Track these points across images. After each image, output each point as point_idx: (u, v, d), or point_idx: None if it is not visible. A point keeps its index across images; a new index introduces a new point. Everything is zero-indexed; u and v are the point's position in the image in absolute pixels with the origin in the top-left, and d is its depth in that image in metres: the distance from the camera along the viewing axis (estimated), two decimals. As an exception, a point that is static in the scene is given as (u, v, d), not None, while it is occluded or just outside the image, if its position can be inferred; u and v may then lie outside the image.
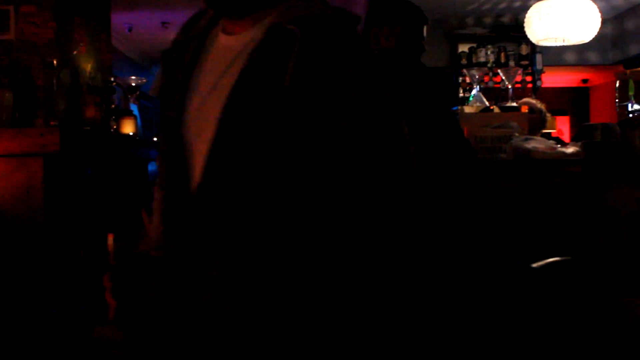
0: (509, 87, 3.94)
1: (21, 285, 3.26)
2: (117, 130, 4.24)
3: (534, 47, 6.57)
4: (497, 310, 1.73)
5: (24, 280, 3.28)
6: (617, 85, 3.69)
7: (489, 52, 6.75)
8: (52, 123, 3.53)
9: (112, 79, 4.43)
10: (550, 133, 4.86)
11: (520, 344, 1.65)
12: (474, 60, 6.80)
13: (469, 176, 2.61)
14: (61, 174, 3.47)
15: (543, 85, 7.05)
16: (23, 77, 3.74)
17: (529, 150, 3.15)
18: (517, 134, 3.36)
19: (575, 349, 1.61)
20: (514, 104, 3.90)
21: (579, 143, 3.28)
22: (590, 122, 9.36)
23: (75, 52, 3.90)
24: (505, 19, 6.95)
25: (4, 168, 3.36)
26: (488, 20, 6.95)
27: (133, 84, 4.50)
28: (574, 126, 9.62)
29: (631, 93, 3.59)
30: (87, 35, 4.18)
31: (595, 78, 9.35)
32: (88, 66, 4.22)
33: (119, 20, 6.60)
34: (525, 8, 5.22)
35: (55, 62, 3.59)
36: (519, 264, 1.81)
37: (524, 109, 4.05)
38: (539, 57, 6.76)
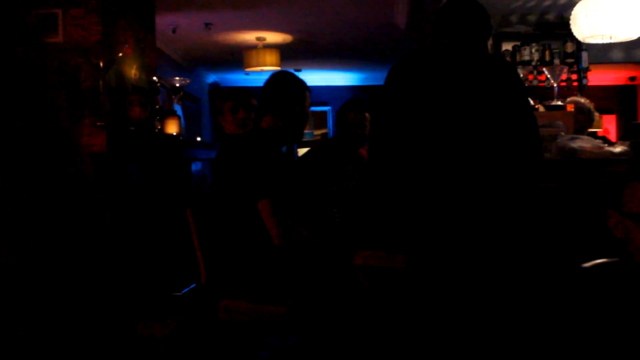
0: (554, 85, 3.87)
1: (68, 282, 3.31)
2: (161, 130, 4.29)
3: (579, 45, 6.45)
4: (551, 309, 1.71)
5: (70, 276, 3.34)
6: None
7: (533, 50, 6.65)
8: (98, 123, 3.57)
9: (157, 80, 4.47)
10: (596, 132, 4.77)
11: (574, 344, 1.63)
12: (518, 59, 6.70)
13: (532, 172, 2.61)
14: (107, 173, 3.51)
15: (589, 83, 6.93)
16: (71, 79, 3.80)
17: (575, 150, 3.10)
18: (562, 133, 3.30)
19: (628, 349, 1.58)
20: (560, 103, 3.83)
21: (627, 142, 3.21)
22: (638, 121, 9.17)
23: (121, 54, 3.95)
24: (550, 17, 6.83)
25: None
26: (532, 17, 6.84)
27: (177, 85, 4.54)
28: (620, 125, 9.44)
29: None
30: (132, 37, 4.23)
31: (643, 76, 9.17)
32: (133, 67, 4.28)
33: (163, 22, 6.67)
34: (570, 5, 5.12)
35: (101, 63, 3.65)
36: (571, 264, 1.79)
37: (570, 108, 3.98)
38: (584, 55, 6.64)
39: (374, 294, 2.58)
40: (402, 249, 2.50)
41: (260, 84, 3.28)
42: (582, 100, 4.64)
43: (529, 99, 2.75)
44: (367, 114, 4.29)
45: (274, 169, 2.92)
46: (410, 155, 2.55)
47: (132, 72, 4.27)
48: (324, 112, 12.32)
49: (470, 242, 2.45)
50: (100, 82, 3.67)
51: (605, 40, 4.47)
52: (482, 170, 2.48)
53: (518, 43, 6.69)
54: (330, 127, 11.99)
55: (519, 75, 2.75)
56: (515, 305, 2.07)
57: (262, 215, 2.87)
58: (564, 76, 5.80)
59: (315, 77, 10.87)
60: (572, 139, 3.21)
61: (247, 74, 10.13)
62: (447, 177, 2.48)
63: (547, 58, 6.64)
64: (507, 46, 6.91)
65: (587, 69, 6.67)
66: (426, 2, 6.12)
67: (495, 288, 2.40)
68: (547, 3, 6.69)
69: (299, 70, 9.96)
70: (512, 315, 2.05)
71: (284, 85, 3.15)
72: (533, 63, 6.63)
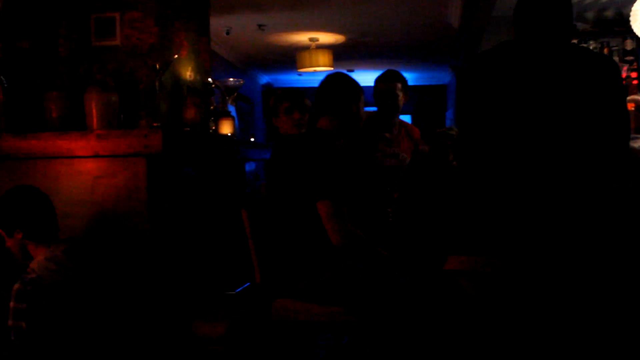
0: (613, 83, 3.78)
1: (123, 281, 3.37)
2: (216, 130, 4.34)
3: (639, 42, 6.30)
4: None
5: (125, 276, 3.39)
6: None
7: (591, 48, 6.51)
8: (154, 124, 3.63)
9: (211, 81, 4.52)
10: (657, 131, 4.63)
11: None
12: (575, 57, 6.59)
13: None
14: (163, 174, 3.56)
15: (650, 82, 6.75)
16: (128, 81, 3.88)
17: (637, 150, 3.03)
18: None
19: None
20: (619, 101, 3.74)
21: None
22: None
23: (176, 56, 4.00)
24: (609, 13, 6.69)
25: (110, 168, 3.48)
26: (590, 15, 6.71)
27: (231, 86, 4.58)
28: (682, 124, 9.16)
29: None
30: (187, 39, 4.29)
31: None
32: (188, 69, 4.33)
33: (217, 23, 6.74)
34: (630, 1, 5.00)
35: (157, 65, 3.70)
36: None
37: (630, 107, 3.89)
38: (645, 52, 6.48)
39: (470, 298, 2.56)
40: (495, 252, 2.48)
41: (313, 84, 3.30)
42: (644, 98, 4.52)
43: (622, 93, 2.67)
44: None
45: (333, 169, 2.92)
46: (503, 156, 2.52)
47: (187, 73, 4.32)
48: (377, 112, 12.26)
49: (563, 243, 2.42)
50: (157, 84, 3.73)
51: (667, 36, 4.35)
52: (576, 171, 2.45)
53: (575, 41, 6.56)
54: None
55: (617, 70, 2.68)
56: (614, 307, 2.06)
57: (321, 216, 2.87)
58: (623, 74, 5.66)
59: (367, 78, 10.83)
60: (633, 138, 3.14)
61: (299, 74, 10.18)
62: (541, 177, 2.46)
63: (606, 56, 6.50)
64: (564, 44, 6.77)
65: (647, 67, 6.50)
66: (480, 0, 6.05)
67: (591, 289, 2.38)
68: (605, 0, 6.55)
69: (351, 71, 9.95)
70: (612, 316, 2.04)
71: (339, 85, 3.16)
72: (591, 61, 6.50)
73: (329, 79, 3.22)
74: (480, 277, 2.54)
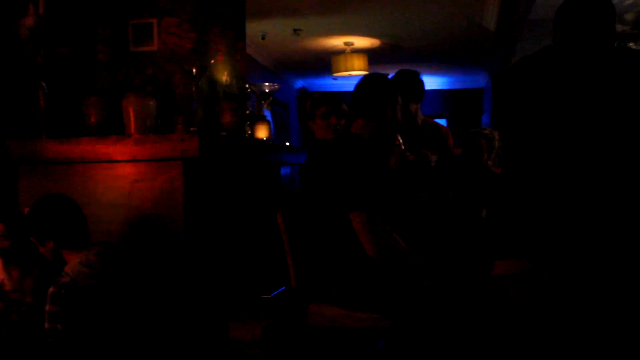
0: (654, 86, 3.72)
1: (158, 284, 3.39)
2: (252, 135, 4.36)
3: (680, 44, 6.20)
4: None
5: (161, 279, 3.42)
6: None
7: (631, 51, 6.42)
8: (191, 129, 3.66)
9: (247, 86, 4.55)
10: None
11: None
12: (614, 59, 6.50)
13: None
14: (199, 178, 3.59)
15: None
16: (165, 86, 3.92)
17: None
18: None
19: None
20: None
21: None
22: None
23: (212, 61, 4.03)
24: (649, 15, 6.58)
25: (147, 172, 3.51)
26: (630, 16, 6.60)
27: (266, 90, 4.60)
28: None
29: None
30: (223, 44, 4.32)
31: None
32: (224, 74, 4.36)
33: (253, 28, 6.78)
34: (671, 3, 4.91)
35: (194, 70, 3.73)
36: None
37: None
38: (687, 54, 6.37)
39: (516, 304, 2.52)
40: (543, 256, 2.45)
41: (348, 88, 3.28)
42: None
43: None
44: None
45: (365, 178, 2.87)
46: (549, 159, 2.49)
47: (224, 78, 4.35)
48: (412, 116, 12.21)
49: (612, 248, 2.38)
50: (193, 89, 3.76)
51: None
52: (624, 176, 2.41)
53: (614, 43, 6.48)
54: (418, 132, 11.88)
55: None
56: None
57: (354, 227, 2.83)
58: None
59: (402, 81, 10.79)
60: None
61: (334, 78, 10.18)
62: (588, 182, 2.42)
63: (646, 58, 6.40)
64: (602, 46, 6.69)
65: (689, 69, 6.38)
66: (517, 3, 5.99)
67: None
68: (645, 1, 6.44)
69: (386, 75, 9.93)
70: None
71: (375, 87, 3.13)
72: (631, 63, 6.41)
73: (365, 80, 3.18)
74: (527, 282, 2.51)
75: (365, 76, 3.23)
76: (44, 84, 3.68)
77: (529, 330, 2.48)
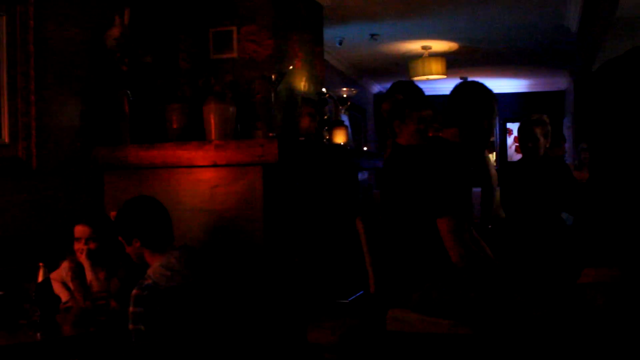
0: None
1: (239, 288, 3.44)
2: (330, 140, 4.37)
3: None
4: None
5: (241, 283, 3.47)
6: None
7: None
8: (270, 134, 3.69)
9: (325, 91, 4.57)
10: None
11: None
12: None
13: None
14: (278, 183, 3.62)
15: None
16: (244, 92, 3.98)
17: None
18: None
19: None
20: None
21: None
22: None
23: (291, 67, 4.07)
24: None
25: (228, 177, 3.57)
26: None
27: (344, 95, 4.61)
28: None
29: None
30: (302, 50, 4.36)
31: None
32: (302, 79, 4.40)
33: (331, 34, 6.80)
34: None
35: (273, 77, 3.77)
36: None
37: None
38: None
39: (607, 312, 2.45)
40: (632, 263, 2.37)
41: (426, 93, 3.21)
42: None
43: None
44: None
45: (455, 184, 2.83)
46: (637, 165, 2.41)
47: (302, 84, 4.39)
48: (490, 121, 12.03)
49: None
50: (272, 95, 3.80)
51: None
52: None
53: None
54: (497, 136, 11.68)
55: None
56: None
57: (440, 233, 2.79)
58: None
59: (481, 85, 10.64)
60: None
61: (411, 83, 10.12)
62: None
63: None
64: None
65: None
66: (602, 0, 5.82)
67: None
68: None
69: (465, 78, 9.81)
70: None
71: (473, 97, 3.03)
72: None
73: (463, 88, 3.09)
74: (616, 291, 2.43)
75: (462, 84, 3.14)
76: (128, 92, 3.79)
77: (617, 340, 2.40)
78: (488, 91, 3.04)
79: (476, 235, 3.11)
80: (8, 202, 3.34)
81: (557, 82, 11.36)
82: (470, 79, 10.43)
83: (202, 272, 3.04)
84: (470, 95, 3.03)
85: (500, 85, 11.29)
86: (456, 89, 3.08)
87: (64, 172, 3.63)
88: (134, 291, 2.82)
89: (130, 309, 2.80)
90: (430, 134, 3.59)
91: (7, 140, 3.34)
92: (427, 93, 3.19)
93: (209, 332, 2.97)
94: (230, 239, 3.58)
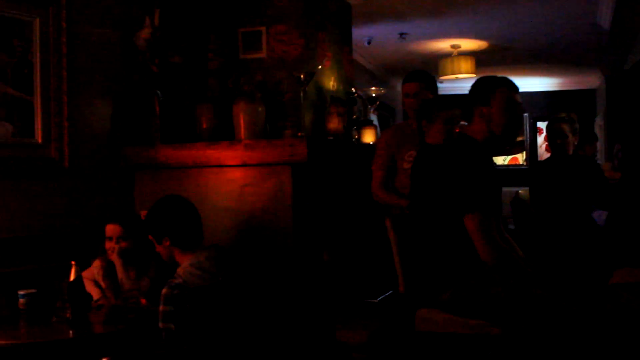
0: None
1: (268, 287, 3.45)
2: (359, 139, 4.37)
3: None
4: None
5: (270, 282, 3.47)
6: None
7: None
8: (299, 134, 3.70)
9: (354, 91, 4.56)
10: None
11: None
12: None
13: None
14: (308, 182, 3.62)
15: None
16: (273, 92, 3.99)
17: None
18: None
19: None
20: None
21: None
22: None
23: (320, 67, 4.07)
24: None
25: (257, 176, 3.58)
26: None
27: (373, 95, 4.60)
28: None
29: None
30: (330, 50, 4.35)
31: None
32: (331, 79, 4.39)
33: (359, 33, 6.79)
34: None
35: (302, 76, 3.78)
36: None
37: None
38: None
39: (634, 312, 2.42)
40: None
41: (455, 92, 3.18)
42: None
43: None
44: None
45: (482, 180, 2.80)
46: None
47: (331, 83, 4.38)
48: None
49: None
50: (301, 94, 3.81)
51: None
52: None
53: None
54: (528, 134, 11.56)
55: None
56: None
57: (468, 230, 2.76)
58: None
59: (511, 84, 10.54)
60: None
61: (440, 82, 10.08)
62: None
63: None
64: None
65: None
66: None
67: None
68: None
69: (494, 77, 9.74)
70: None
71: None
72: None
73: (483, 81, 3.05)
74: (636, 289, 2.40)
75: (481, 78, 3.11)
76: (158, 92, 3.82)
77: None
78: (511, 83, 3.01)
79: (506, 234, 3.09)
80: (41, 201, 3.39)
81: (588, 81, 11.23)
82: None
83: (231, 272, 3.05)
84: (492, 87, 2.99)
85: (530, 83, 11.19)
86: (477, 82, 3.05)
87: (95, 171, 3.67)
88: (164, 290, 2.84)
89: (160, 307, 2.82)
90: (457, 130, 3.57)
91: (40, 140, 3.39)
92: (456, 92, 3.18)
93: (239, 331, 2.98)
94: (259, 239, 3.59)
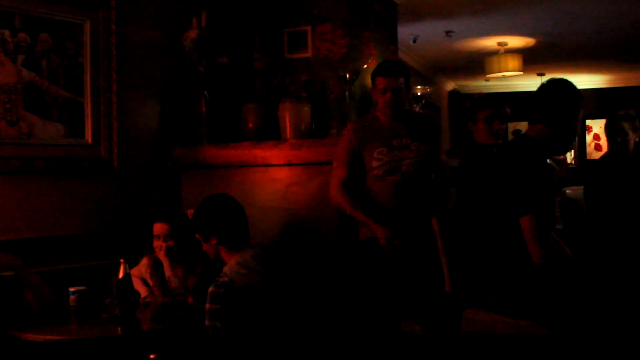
0: None
1: (315, 285, 3.45)
2: (404, 138, 4.34)
3: None
4: None
5: (317, 280, 3.48)
6: None
7: None
8: (344, 133, 3.69)
9: (399, 89, 4.52)
10: None
11: None
12: None
13: None
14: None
15: None
16: (319, 91, 3.99)
17: None
18: None
19: None
20: None
21: None
22: None
23: (365, 66, 4.06)
24: None
25: (303, 175, 3.59)
26: None
27: (418, 93, 4.57)
28: None
29: None
30: (376, 49, 4.34)
31: None
32: (377, 78, 4.38)
33: (404, 32, 6.76)
34: None
35: (347, 75, 3.78)
36: None
37: None
38: None
39: None
40: None
41: (502, 90, 3.15)
42: None
43: None
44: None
45: (539, 182, 2.77)
46: None
47: (376, 82, 4.37)
48: (569, 117, 11.71)
49: None
50: (347, 93, 3.81)
51: None
52: None
53: None
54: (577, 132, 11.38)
55: None
56: None
57: (523, 231, 2.73)
58: None
59: (559, 81, 10.37)
60: None
61: (487, 80, 9.96)
62: None
63: None
64: None
65: None
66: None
67: None
68: None
69: (542, 74, 9.59)
70: None
71: (563, 94, 2.96)
72: None
73: (553, 84, 3.02)
74: None
75: (551, 81, 3.07)
76: (205, 93, 3.86)
77: None
78: (577, 90, 2.97)
79: (555, 236, 3.04)
80: (90, 200, 3.45)
81: (638, 77, 11.02)
82: (547, 75, 10.20)
83: (278, 270, 3.06)
84: (561, 93, 2.95)
85: (579, 80, 10.97)
86: (545, 85, 3.00)
87: (144, 171, 3.72)
88: (211, 288, 2.86)
89: (207, 306, 2.84)
90: (497, 127, 3.56)
91: (90, 140, 3.45)
92: (502, 90, 3.13)
93: (284, 330, 2.99)
94: (304, 238, 3.60)
